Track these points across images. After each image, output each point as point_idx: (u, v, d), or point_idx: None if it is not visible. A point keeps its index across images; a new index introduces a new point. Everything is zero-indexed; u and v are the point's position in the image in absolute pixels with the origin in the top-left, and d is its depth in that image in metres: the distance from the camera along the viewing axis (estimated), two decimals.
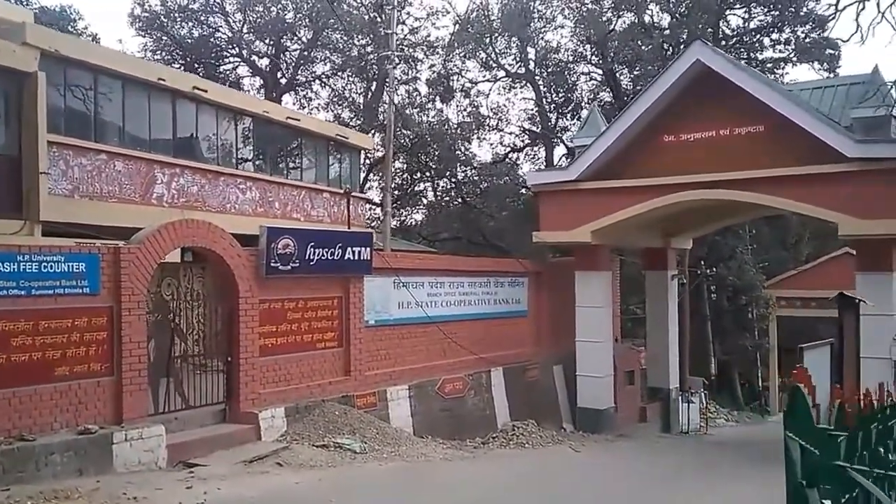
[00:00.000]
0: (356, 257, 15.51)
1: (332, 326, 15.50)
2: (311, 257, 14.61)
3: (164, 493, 9.84)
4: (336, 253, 15.10)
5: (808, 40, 31.01)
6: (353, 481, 11.68)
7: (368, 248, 15.79)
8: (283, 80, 31.55)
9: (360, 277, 15.94)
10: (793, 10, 30.90)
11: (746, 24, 31.56)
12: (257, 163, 19.05)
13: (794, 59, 31.45)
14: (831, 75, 29.23)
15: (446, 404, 17.57)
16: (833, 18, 16.59)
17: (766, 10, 31.65)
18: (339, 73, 32.38)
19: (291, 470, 11.86)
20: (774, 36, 31.63)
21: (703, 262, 29.02)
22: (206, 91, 16.83)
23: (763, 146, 17.45)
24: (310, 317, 15.02)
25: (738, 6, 31.78)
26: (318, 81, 32.76)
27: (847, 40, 14.93)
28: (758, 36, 31.98)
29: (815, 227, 37.22)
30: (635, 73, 30.01)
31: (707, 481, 15.02)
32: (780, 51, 31.76)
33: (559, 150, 32.86)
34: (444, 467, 13.55)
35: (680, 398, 23.35)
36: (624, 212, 18.88)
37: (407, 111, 31.51)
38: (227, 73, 31.28)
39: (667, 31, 30.56)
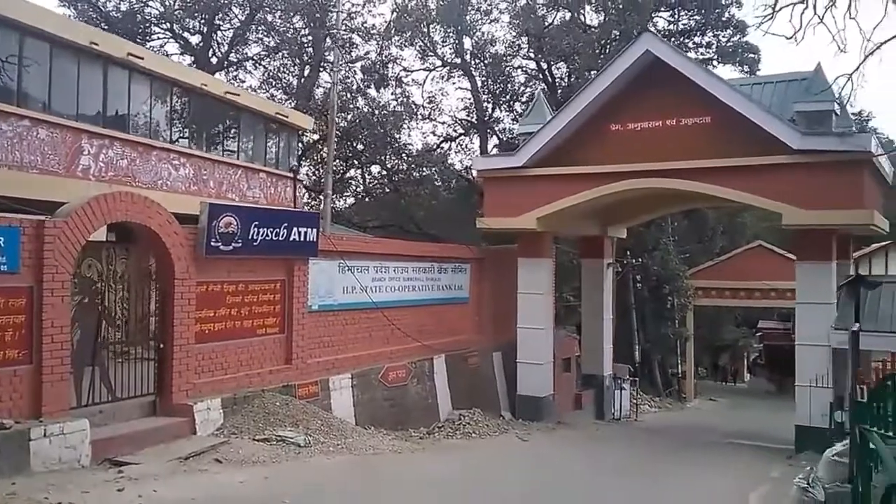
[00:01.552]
0: (302, 238, 14.00)
1: (274, 311, 13.98)
2: (255, 237, 13.05)
3: (94, 497, 8.30)
4: (281, 233, 13.57)
5: (729, 44, 30.98)
6: (303, 478, 10.29)
7: (315, 230, 14.30)
8: (215, 60, 29.37)
9: (304, 260, 14.46)
10: (715, 15, 30.80)
11: (674, 26, 31.22)
12: (192, 138, 17.20)
13: (717, 61, 31.32)
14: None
15: (389, 393, 16.29)
16: (769, 18, 16.26)
17: (690, 14, 31.45)
18: (274, 55, 30.42)
19: (233, 467, 10.39)
20: (697, 39, 31.45)
21: (629, 253, 28.59)
22: (141, 59, 14.94)
23: (710, 137, 16.83)
24: (251, 301, 13.46)
25: (664, 10, 31.45)
26: (251, 62, 30.72)
27: (790, 37, 14.25)
28: (682, 38, 31.73)
29: (728, 222, 37.64)
30: (570, 67, 29.23)
31: (666, 468, 14.37)
32: (703, 53, 31.62)
33: (494, 141, 31.81)
34: (395, 461, 12.26)
35: (613, 385, 22.74)
36: (571, 198, 17.99)
37: (342, 96, 29.80)
38: (156, 49, 28.85)
39: (597, 30, 29.95)
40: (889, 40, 13.78)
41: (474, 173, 32.59)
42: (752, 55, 30.77)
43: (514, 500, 10.23)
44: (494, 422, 16.64)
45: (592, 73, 27.23)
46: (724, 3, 30.81)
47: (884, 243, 31.15)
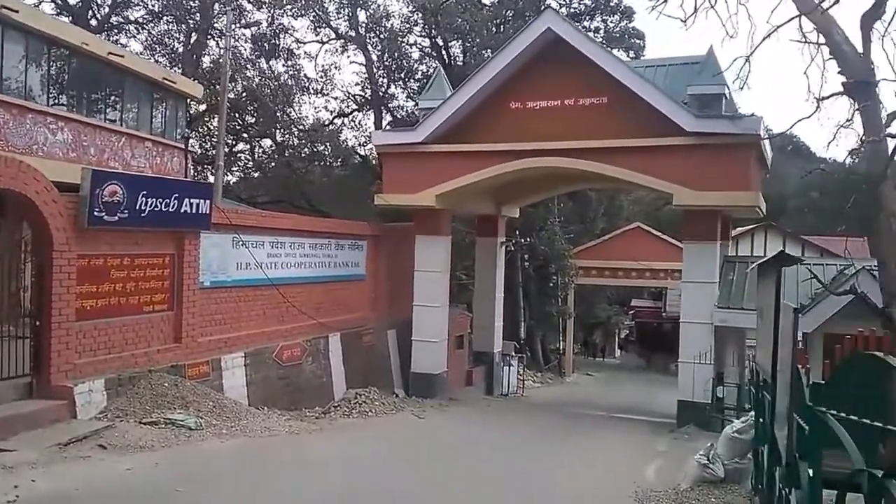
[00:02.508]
0: (193, 210, 13.05)
1: (163, 287, 12.99)
2: (143, 207, 12.02)
3: None
4: (171, 204, 12.58)
5: (616, 29, 31.64)
6: (196, 464, 9.58)
7: (208, 201, 13.36)
8: (94, 22, 27.08)
9: (196, 233, 13.51)
10: (605, 0, 31.39)
11: (565, 9, 31.50)
12: (72, 102, 15.65)
13: (605, 45, 31.88)
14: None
15: (283, 372, 15.60)
16: (663, 2, 16.58)
17: None
18: (158, 19, 28.41)
19: (118, 453, 9.54)
20: (587, 23, 31.88)
21: (518, 232, 28.81)
22: (16, 11, 13.36)
23: (607, 117, 16.99)
24: (137, 276, 12.43)
25: None
26: (133, 25, 28.54)
27: (685, 20, 14.57)
28: (573, 21, 32.07)
29: (608, 205, 38.75)
30: (466, 45, 28.97)
31: (564, 439, 14.54)
32: (592, 37, 32.09)
33: (389, 118, 31.09)
34: (293, 443, 11.67)
35: (502, 362, 22.90)
36: (470, 176, 17.78)
37: (231, 65, 28.25)
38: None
39: (492, 10, 29.80)
40: (786, 23, 14.40)
41: (368, 150, 32.23)
42: (637, 41, 31.60)
43: (415, 479, 9.93)
44: (390, 400, 16.25)
45: (488, 51, 27.16)
46: None
47: (752, 226, 33.02)
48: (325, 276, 17.76)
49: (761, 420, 8.09)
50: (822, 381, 4.75)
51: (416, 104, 30.41)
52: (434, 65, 30.47)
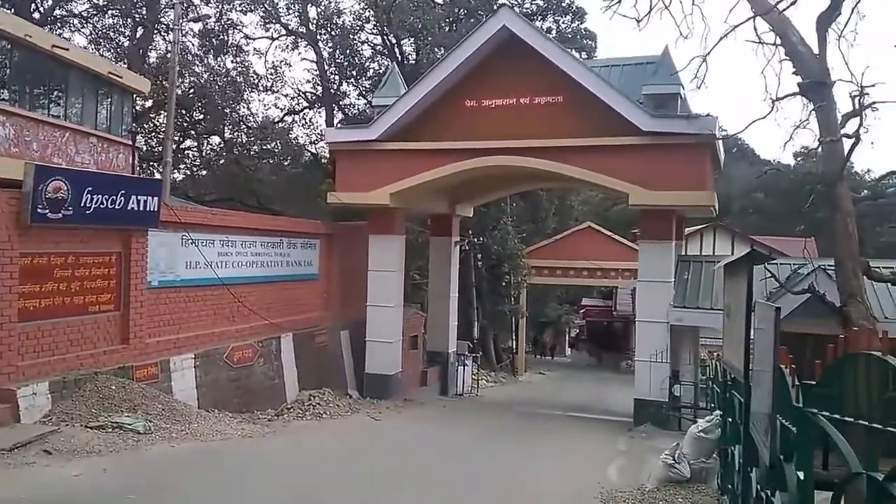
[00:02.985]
0: (141, 208, 12.53)
1: (109, 287, 12.45)
2: (88, 204, 11.49)
3: None
4: (118, 201, 12.06)
5: (569, 30, 31.80)
6: (146, 470, 9.18)
7: (156, 198, 12.84)
8: (37, 15, 25.95)
9: (143, 231, 12.99)
10: (557, 0, 31.50)
11: (518, 8, 31.50)
12: (13, 95, 14.86)
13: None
14: None
15: (235, 374, 15.13)
16: (617, 2, 16.68)
17: None
18: (103, 13, 27.38)
19: (64, 459, 9.09)
20: (539, 23, 31.91)
21: (470, 232, 28.69)
22: None
23: (562, 116, 16.94)
24: (82, 275, 11.89)
25: None
26: (78, 19, 27.42)
27: (639, 20, 14.70)
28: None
29: (559, 205, 38.97)
30: (419, 43, 28.66)
31: (524, 440, 14.44)
32: (547, 36, 32.17)
33: (340, 116, 30.58)
34: (246, 446, 11.28)
35: (457, 362, 22.74)
36: (426, 174, 17.55)
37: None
38: None
39: (444, 8, 29.62)
40: (742, 24, 14.55)
41: (319, 148, 31.69)
42: (589, 42, 31.83)
43: (374, 483, 9.66)
44: (344, 401, 15.93)
45: (441, 50, 26.96)
46: None
47: (701, 226, 33.56)
48: (277, 276, 17.32)
49: (730, 420, 8.06)
50: (813, 382, 4.67)
51: (368, 102, 30.08)
52: (385, 63, 30.17)
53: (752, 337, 6.67)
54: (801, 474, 4.45)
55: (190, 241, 14.31)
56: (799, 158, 72.40)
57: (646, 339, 16.83)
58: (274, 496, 8.69)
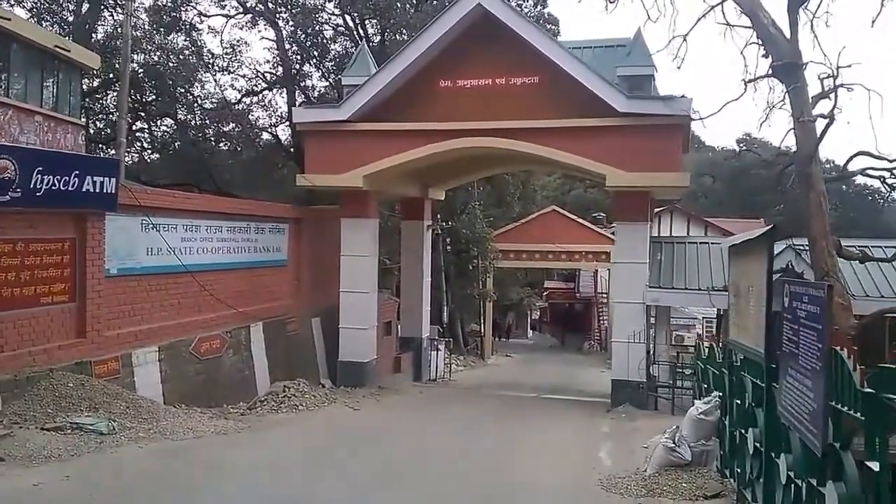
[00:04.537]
0: (97, 189, 11.54)
1: (63, 276, 11.48)
2: (38, 186, 10.49)
3: None
4: (71, 182, 11.06)
5: (531, 15, 31.10)
6: (113, 475, 8.34)
7: (114, 179, 11.85)
8: None
9: (100, 215, 12.01)
10: None
11: None
12: None
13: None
14: None
15: (202, 366, 14.24)
16: None
17: None
18: None
19: (20, 465, 8.24)
20: None
21: (439, 216, 27.97)
22: None
23: (539, 97, 16.33)
24: (33, 263, 10.91)
25: None
26: None
27: (610, 2, 14.26)
28: None
29: (523, 189, 38.45)
30: (383, 23, 27.63)
31: (507, 425, 13.91)
32: (524, 15, 31.50)
33: (302, 98, 29.36)
34: (222, 444, 10.44)
35: (430, 347, 22.09)
36: (400, 156, 16.72)
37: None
38: None
39: None
40: (717, 6, 14.09)
41: (281, 130, 30.57)
42: (552, 26, 31.16)
43: (364, 478, 8.98)
44: (319, 392, 15.11)
45: (405, 31, 26.08)
46: None
47: (658, 209, 33.40)
48: (245, 262, 16.40)
49: (738, 402, 7.54)
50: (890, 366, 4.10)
51: (331, 84, 29.11)
52: (348, 44, 29.15)
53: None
54: (874, 465, 3.89)
55: (151, 225, 13.31)
56: (742, 145, 73.91)
57: (623, 319, 16.42)
58: (258, 498, 7.94)
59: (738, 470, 7.44)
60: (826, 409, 4.48)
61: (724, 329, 9.69)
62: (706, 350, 10.53)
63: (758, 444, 6.54)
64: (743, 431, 7.20)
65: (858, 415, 4.13)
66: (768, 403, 6.23)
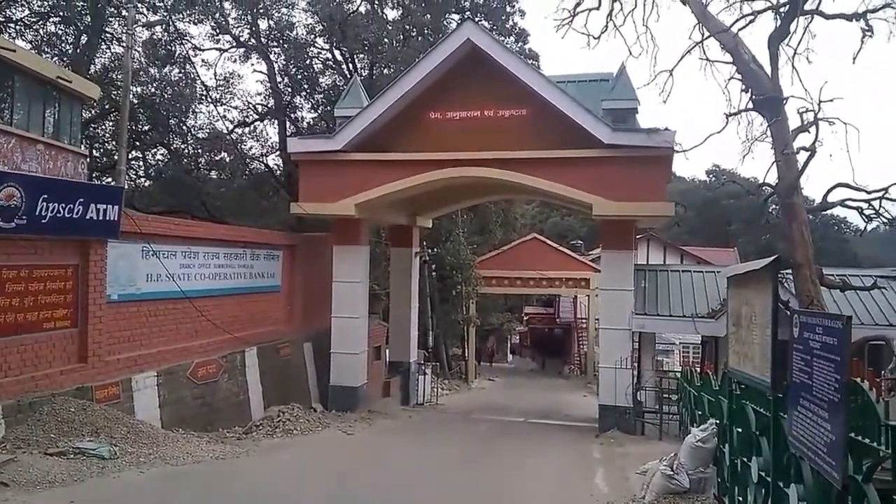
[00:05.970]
0: (100, 217, 11.36)
1: (66, 302, 11.23)
2: (44, 213, 10.30)
3: None
4: (76, 210, 10.88)
5: (513, 51, 31.40)
6: (118, 500, 8.08)
7: (117, 207, 11.67)
8: None
9: (103, 242, 11.79)
10: (501, 21, 31.10)
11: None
12: None
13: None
14: None
15: (199, 391, 13.96)
16: (568, 23, 16.42)
17: (479, 18, 31.39)
18: (46, 19, 25.58)
19: (24, 491, 7.98)
20: None
21: (424, 243, 27.93)
22: None
23: (527, 129, 16.42)
24: (37, 289, 10.66)
25: (454, 11, 31.11)
26: (18, 25, 25.51)
27: (594, 38, 14.57)
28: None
29: (504, 217, 38.60)
30: (372, 57, 27.76)
31: (501, 450, 13.80)
32: (512, 50, 31.80)
33: (292, 130, 29.31)
34: (223, 470, 10.21)
35: (417, 371, 21.91)
36: (391, 185, 16.69)
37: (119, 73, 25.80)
38: None
39: (394, 25, 28.87)
40: (700, 43, 14.31)
41: (270, 160, 30.45)
42: (533, 62, 31.47)
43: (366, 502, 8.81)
44: (312, 416, 14.89)
45: (393, 65, 26.21)
46: (508, 11, 31.27)
47: (638, 237, 33.62)
48: (241, 288, 16.20)
49: (739, 431, 7.50)
50: None
51: (320, 116, 29.12)
52: (336, 77, 29.22)
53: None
54: None
55: (151, 252, 13.11)
56: (711, 176, 75.12)
57: (610, 345, 16.37)
58: None
59: (740, 498, 7.35)
60: (846, 440, 4.44)
61: (717, 356, 9.69)
62: (698, 376, 10.50)
63: (762, 473, 6.49)
64: (745, 460, 7.15)
65: (884, 447, 4.10)
66: (775, 433, 6.19)
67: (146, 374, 12.66)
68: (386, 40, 27.07)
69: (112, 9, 25.83)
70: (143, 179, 32.40)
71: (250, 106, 30.25)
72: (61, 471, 8.72)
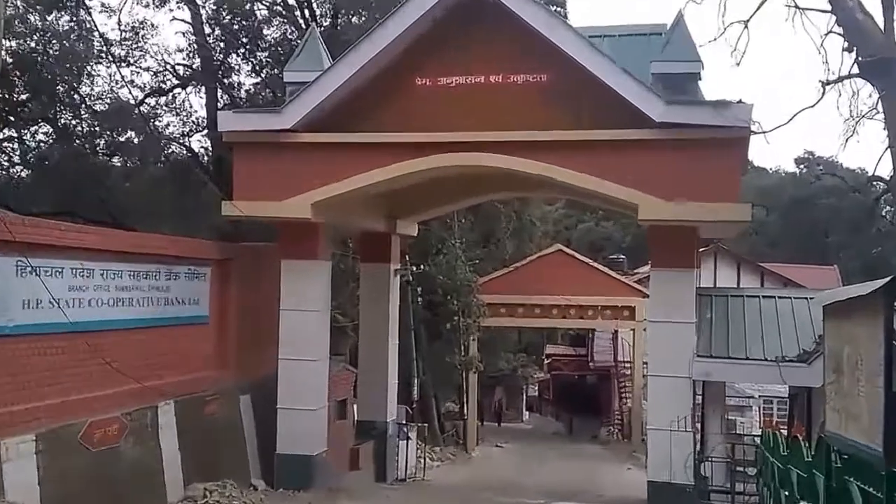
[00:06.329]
0: None
1: None
2: None
3: None
4: None
5: None
6: None
7: None
8: None
9: None
10: None
11: None
12: None
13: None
14: None
15: (94, 461, 13.91)
16: None
17: None
18: None
19: None
20: None
21: (407, 257, 28.03)
22: None
23: (546, 101, 16.45)
24: None
25: None
26: None
27: None
28: None
29: (518, 223, 38.82)
30: (335, 2, 28.06)
31: None
32: None
33: (227, 100, 29.56)
34: None
35: (397, 435, 21.96)
36: (363, 177, 16.72)
37: None
38: None
39: None
40: None
41: (198, 141, 30.65)
42: (559, 8, 31.91)
43: None
44: (254, 497, 14.91)
45: (364, 13, 26.47)
46: None
47: (707, 247, 33.86)
48: (152, 319, 16.18)
49: None
50: None
51: (264, 81, 29.36)
52: (288, 28, 29.43)
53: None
54: None
55: (29, 268, 13.10)
56: (801, 166, 75.19)
57: (663, 400, 16.42)
58: None
59: None
60: None
61: (810, 415, 9.72)
62: (785, 443, 10.54)
63: None
64: None
65: None
66: None
67: (20, 439, 12.60)
68: None
69: None
70: (18, 168, 32.63)
71: (168, 67, 30.56)
72: None
